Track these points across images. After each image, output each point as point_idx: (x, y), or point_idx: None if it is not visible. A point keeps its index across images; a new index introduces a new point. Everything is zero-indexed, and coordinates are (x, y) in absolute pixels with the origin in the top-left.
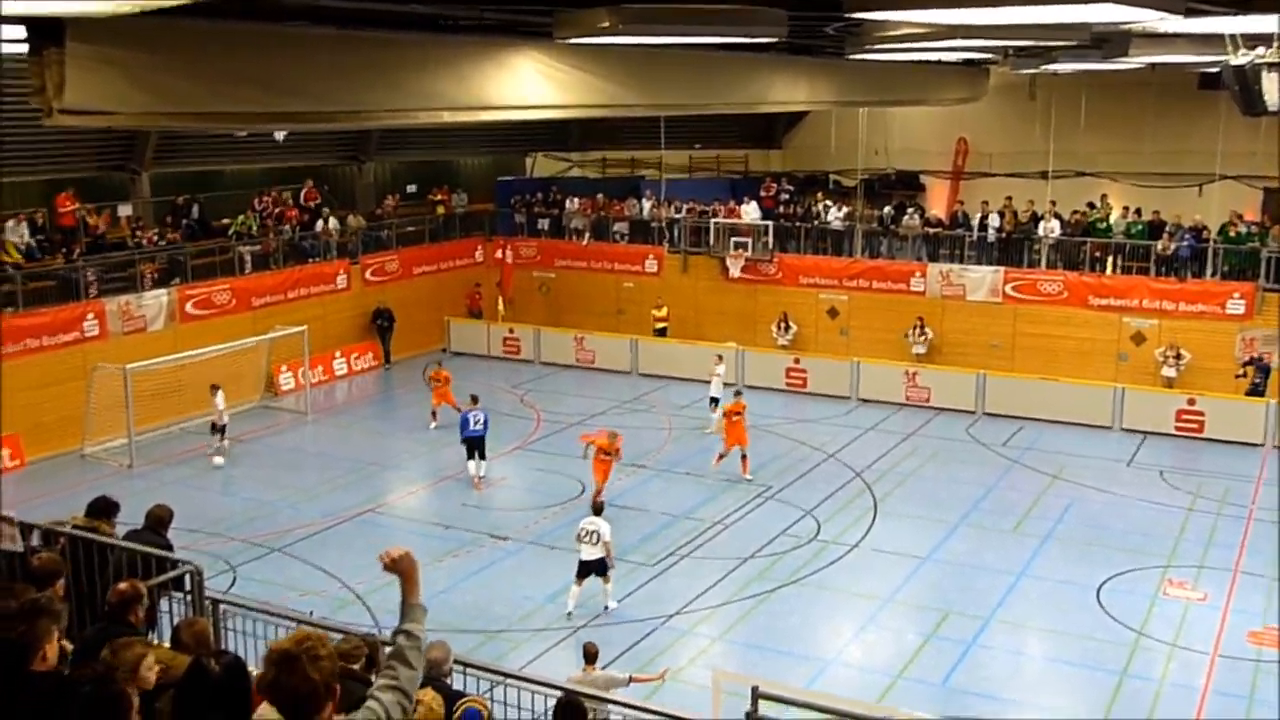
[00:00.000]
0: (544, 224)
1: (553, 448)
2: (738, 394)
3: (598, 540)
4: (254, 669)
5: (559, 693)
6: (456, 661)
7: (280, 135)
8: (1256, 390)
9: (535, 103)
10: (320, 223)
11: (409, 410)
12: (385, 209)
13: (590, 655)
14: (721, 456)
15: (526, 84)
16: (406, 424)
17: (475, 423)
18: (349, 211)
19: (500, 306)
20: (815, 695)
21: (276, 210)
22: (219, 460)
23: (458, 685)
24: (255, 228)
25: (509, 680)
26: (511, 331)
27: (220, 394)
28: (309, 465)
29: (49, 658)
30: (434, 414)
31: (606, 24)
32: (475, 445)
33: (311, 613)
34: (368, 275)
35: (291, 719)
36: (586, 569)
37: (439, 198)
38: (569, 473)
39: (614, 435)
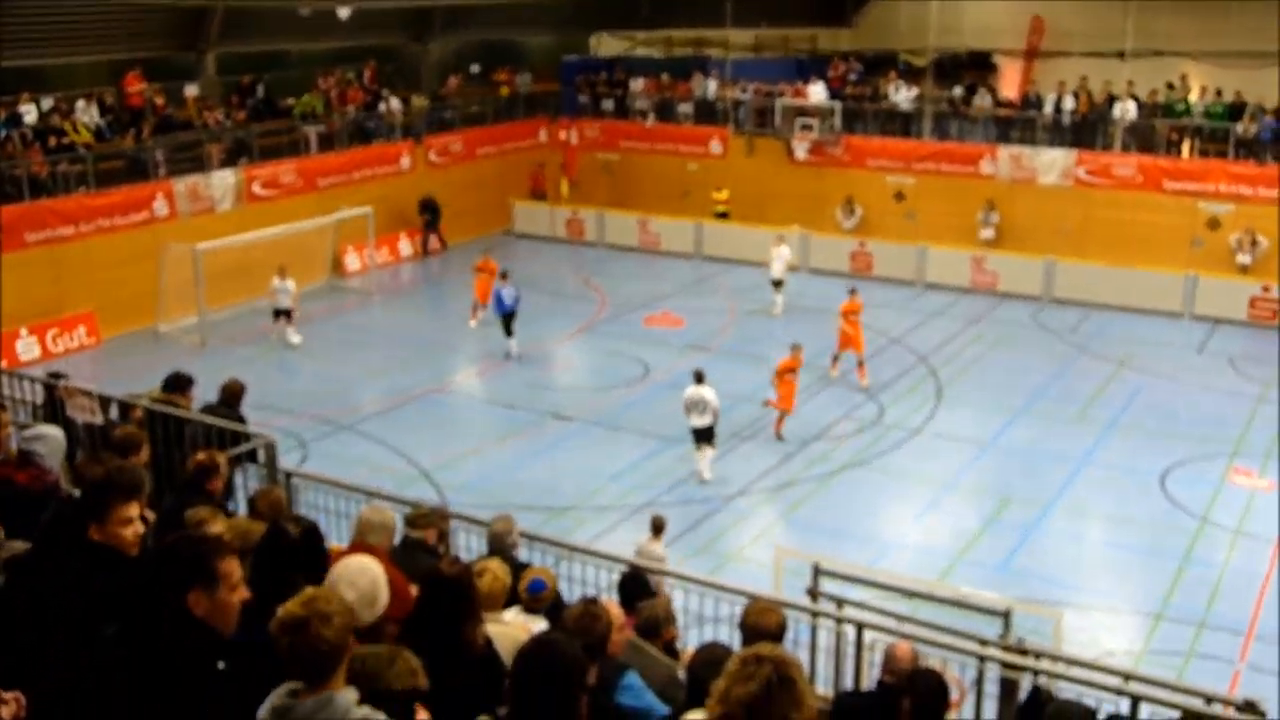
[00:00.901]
0: (608, 104)
1: (616, 330)
2: (852, 291)
3: (706, 408)
4: (326, 541)
5: (624, 566)
6: (523, 535)
7: (344, 13)
8: None
9: None
10: (383, 104)
11: (472, 293)
12: (448, 89)
13: (657, 527)
14: (836, 359)
15: None
16: (470, 306)
17: (509, 299)
18: (412, 92)
19: (563, 188)
20: (875, 573)
21: (340, 90)
22: (296, 339)
23: (524, 558)
24: (320, 108)
25: (575, 554)
26: (575, 214)
27: (287, 279)
28: (375, 345)
29: (109, 530)
30: (474, 309)
31: None
32: (510, 320)
33: (381, 488)
34: (431, 156)
35: (307, 681)
36: (699, 436)
37: (502, 78)
38: (632, 354)
39: (798, 349)
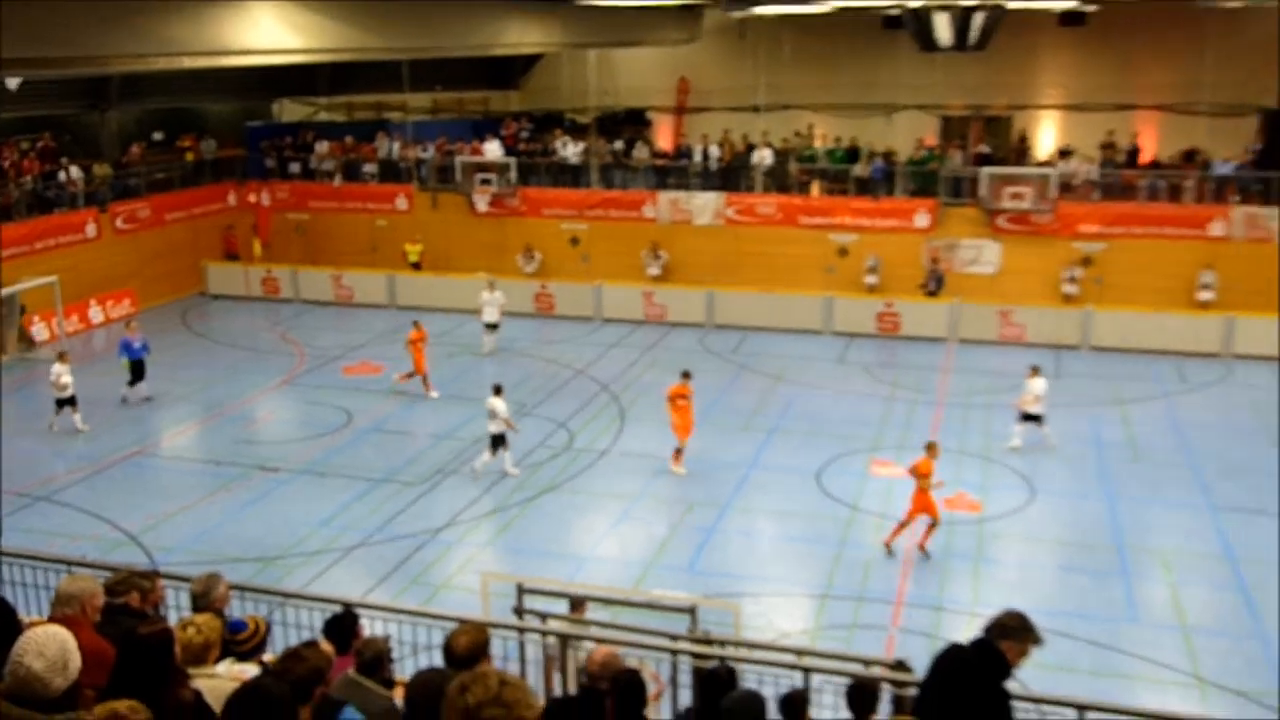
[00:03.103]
0: (295, 167)
1: (317, 381)
2: (685, 375)
3: (495, 416)
4: (27, 616)
5: (337, 608)
6: (236, 587)
7: (12, 84)
8: (931, 294)
9: (273, 47)
10: (63, 172)
11: (169, 354)
12: (131, 157)
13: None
14: (679, 452)
15: (264, 29)
16: (168, 367)
17: (137, 346)
18: (94, 160)
19: (256, 248)
20: (574, 586)
21: (14, 161)
22: (85, 427)
23: (238, 612)
24: None
25: (289, 600)
26: (269, 272)
27: (67, 361)
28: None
29: None
30: (425, 380)
31: None
32: (138, 368)
33: (85, 555)
34: (118, 223)
35: None
36: (493, 441)
37: (187, 144)
38: (334, 403)
39: (932, 448)
